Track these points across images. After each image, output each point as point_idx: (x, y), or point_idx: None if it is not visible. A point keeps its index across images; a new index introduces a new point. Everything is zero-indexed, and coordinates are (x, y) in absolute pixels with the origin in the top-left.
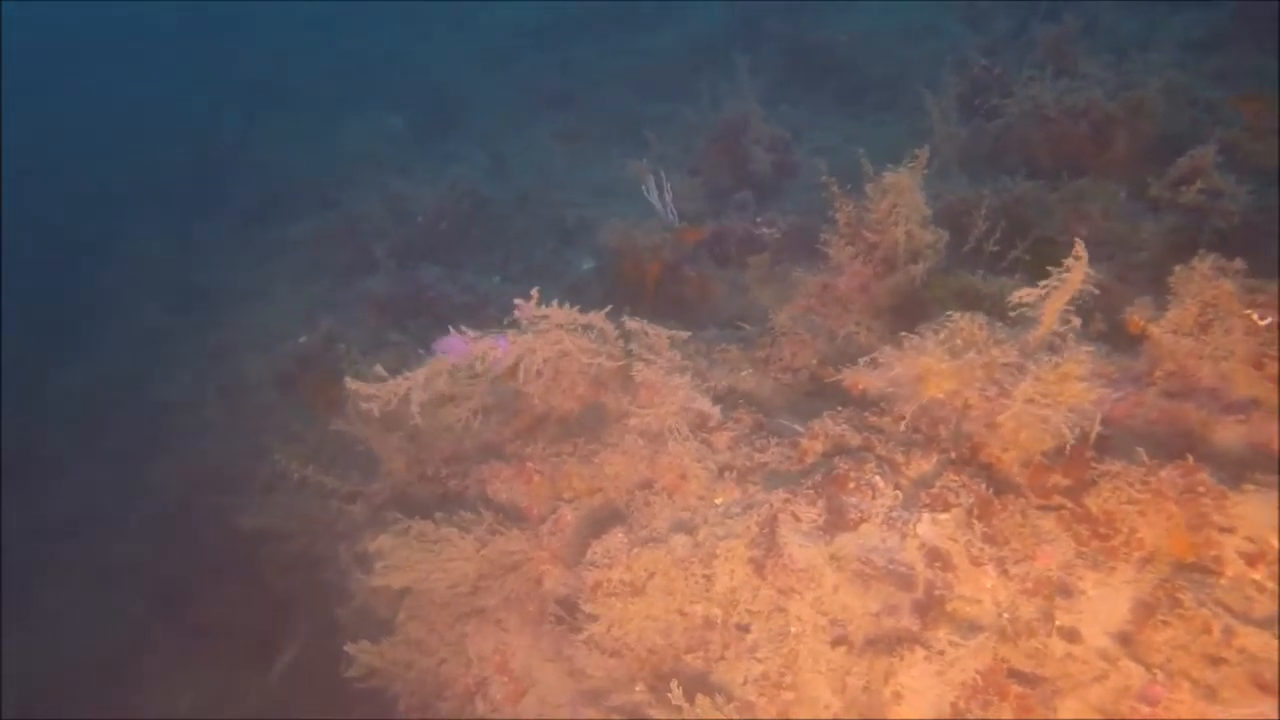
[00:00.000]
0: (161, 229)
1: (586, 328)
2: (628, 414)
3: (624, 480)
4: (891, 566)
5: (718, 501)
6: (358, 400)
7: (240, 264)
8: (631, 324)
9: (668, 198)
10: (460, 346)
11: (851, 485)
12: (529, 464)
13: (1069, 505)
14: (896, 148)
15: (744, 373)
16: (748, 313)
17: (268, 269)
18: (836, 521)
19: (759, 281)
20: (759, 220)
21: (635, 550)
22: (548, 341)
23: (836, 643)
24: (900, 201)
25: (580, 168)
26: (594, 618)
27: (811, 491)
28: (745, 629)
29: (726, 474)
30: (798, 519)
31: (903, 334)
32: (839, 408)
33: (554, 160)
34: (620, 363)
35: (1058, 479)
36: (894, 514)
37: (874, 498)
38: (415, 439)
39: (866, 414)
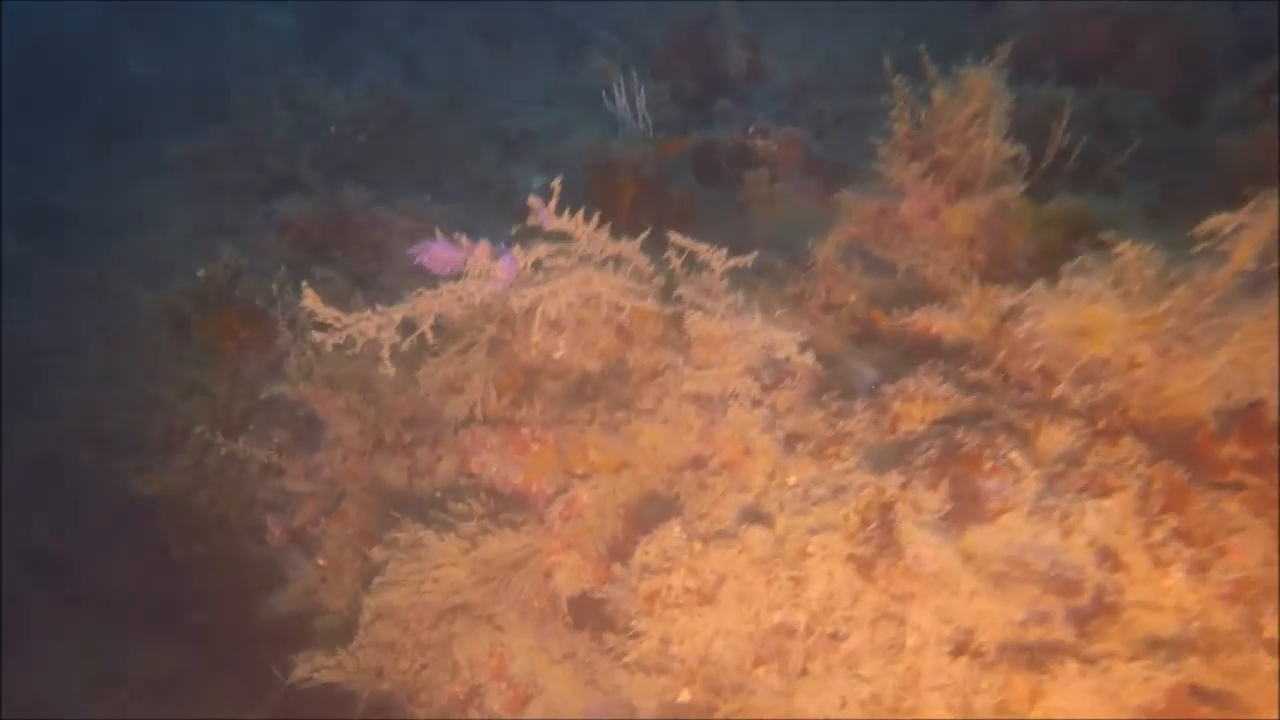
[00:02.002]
0: None
1: (615, 261)
2: (660, 372)
3: (664, 456)
4: (1056, 570)
5: (791, 481)
6: (307, 329)
7: (107, 184)
8: (677, 241)
9: (640, 104)
10: (447, 255)
11: (987, 465)
12: (523, 430)
13: (1255, 483)
14: (881, 47)
15: (776, 314)
16: (744, 238)
17: (144, 190)
18: (968, 511)
19: (756, 202)
20: (751, 130)
21: (700, 548)
22: (575, 281)
23: (962, 653)
24: (985, 108)
25: (511, 72)
26: (642, 633)
27: (930, 473)
28: (839, 638)
29: (799, 446)
30: (919, 508)
31: (1065, 269)
32: (931, 360)
33: (475, 63)
34: (657, 309)
35: (1235, 450)
36: (1045, 501)
37: (1016, 481)
38: (369, 397)
39: (963, 368)
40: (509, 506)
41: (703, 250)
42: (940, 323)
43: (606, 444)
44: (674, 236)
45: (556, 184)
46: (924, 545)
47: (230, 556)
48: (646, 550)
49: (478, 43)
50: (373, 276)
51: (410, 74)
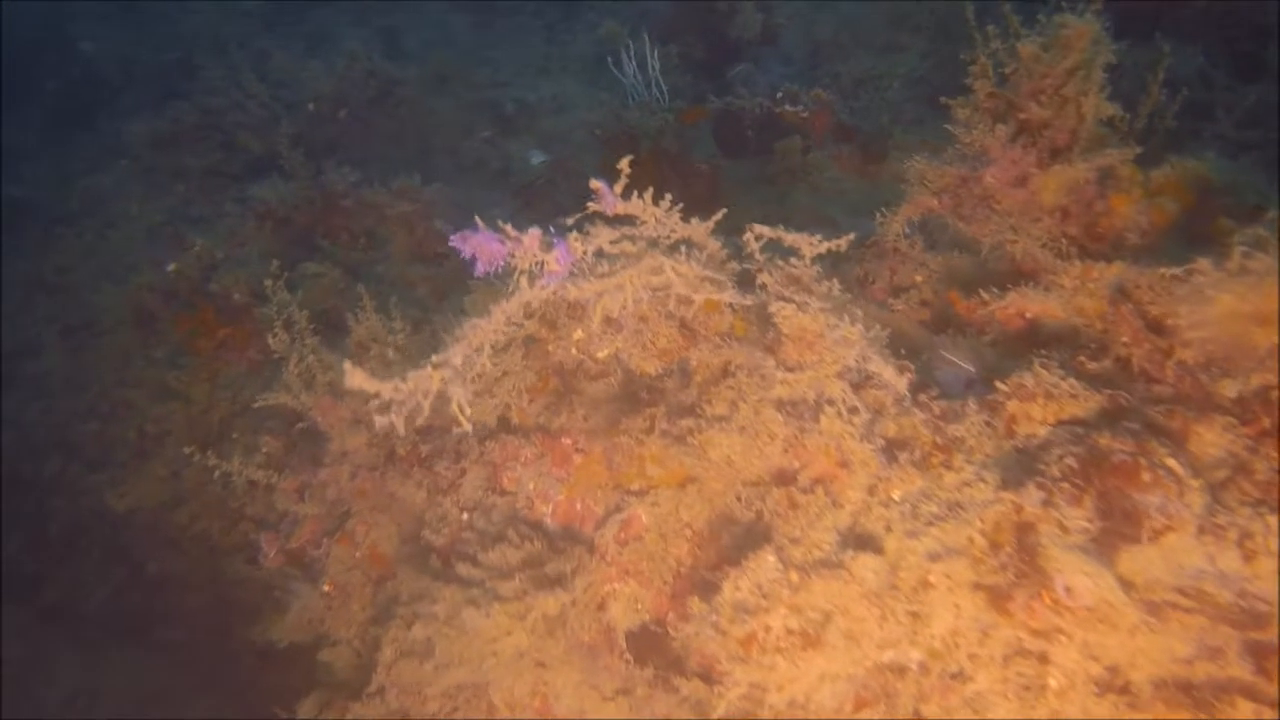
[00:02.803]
0: None
1: (685, 246)
2: (731, 373)
3: (740, 469)
4: (1240, 599)
5: (895, 496)
6: (304, 330)
7: (64, 173)
8: (762, 231)
9: (654, 70)
10: (491, 246)
11: (1146, 476)
12: (564, 440)
13: None
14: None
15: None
16: (780, 215)
17: (103, 178)
18: (1121, 530)
19: (789, 174)
20: (779, 95)
21: (799, 580)
22: (644, 270)
23: (1108, 691)
24: (1086, 61)
25: (498, 43)
26: (733, 680)
27: (1071, 486)
28: (962, 678)
29: (902, 455)
30: (1065, 529)
31: (1238, 248)
32: (1038, 350)
33: (459, 34)
34: (738, 301)
35: None
36: (1216, 517)
37: (1180, 494)
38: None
39: (1080, 358)
40: (551, 541)
41: (789, 235)
42: (1037, 305)
43: (669, 456)
44: (757, 228)
45: (625, 164)
46: (1078, 573)
47: (213, 574)
48: (738, 585)
49: (460, 14)
50: (367, 266)
51: (390, 48)
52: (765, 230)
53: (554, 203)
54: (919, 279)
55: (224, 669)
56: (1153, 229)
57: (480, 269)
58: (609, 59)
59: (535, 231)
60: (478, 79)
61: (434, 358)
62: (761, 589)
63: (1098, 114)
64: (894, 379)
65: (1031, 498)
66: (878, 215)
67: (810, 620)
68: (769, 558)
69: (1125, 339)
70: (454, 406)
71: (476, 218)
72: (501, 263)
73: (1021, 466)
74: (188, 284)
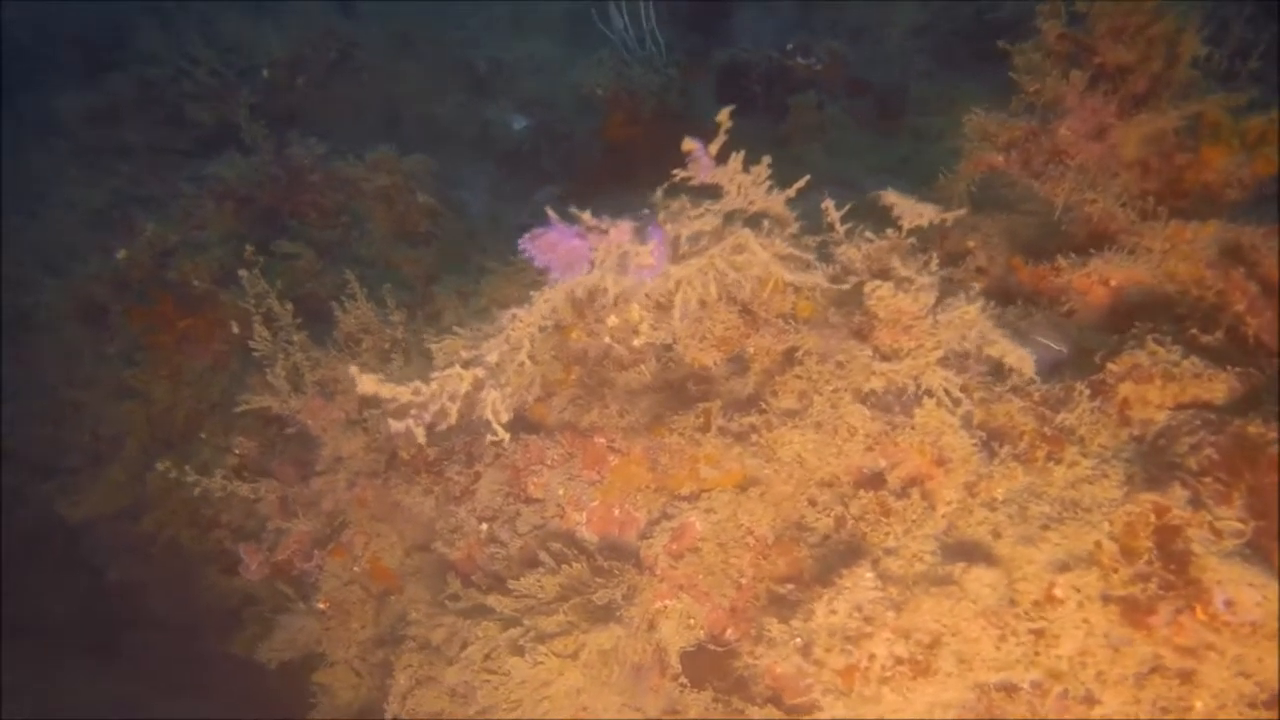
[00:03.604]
0: None
1: (765, 219)
2: (799, 361)
3: (814, 470)
4: None
5: (998, 496)
6: (289, 325)
7: None
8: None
9: (651, 22)
10: (570, 243)
11: None
12: (597, 439)
13: None
14: None
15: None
16: (798, 177)
17: (33, 159)
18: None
19: (803, 132)
20: (790, 48)
21: (905, 599)
22: (726, 250)
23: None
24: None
25: None
26: (828, 713)
27: (1215, 483)
28: (1087, 700)
29: (1003, 448)
30: (1218, 533)
31: None
32: (1146, 324)
33: None
34: (824, 282)
35: None
36: None
37: None
38: (374, 403)
39: (1191, 330)
40: (590, 557)
41: (904, 204)
42: (1122, 271)
43: (728, 456)
44: (888, 196)
45: (725, 115)
46: (1242, 585)
47: (182, 581)
48: (833, 607)
49: None
50: (342, 246)
51: (344, 4)
52: (893, 196)
53: (540, 171)
54: (971, 244)
55: (195, 676)
56: (1254, 182)
57: (557, 275)
58: (593, 12)
59: (626, 224)
60: (445, 37)
61: (462, 353)
62: (861, 611)
63: (1192, 53)
64: (1021, 363)
65: (1177, 498)
66: (940, 177)
67: (919, 644)
68: (866, 574)
69: (1239, 307)
70: (488, 412)
71: (548, 209)
72: (585, 265)
73: (1147, 459)
74: (140, 272)
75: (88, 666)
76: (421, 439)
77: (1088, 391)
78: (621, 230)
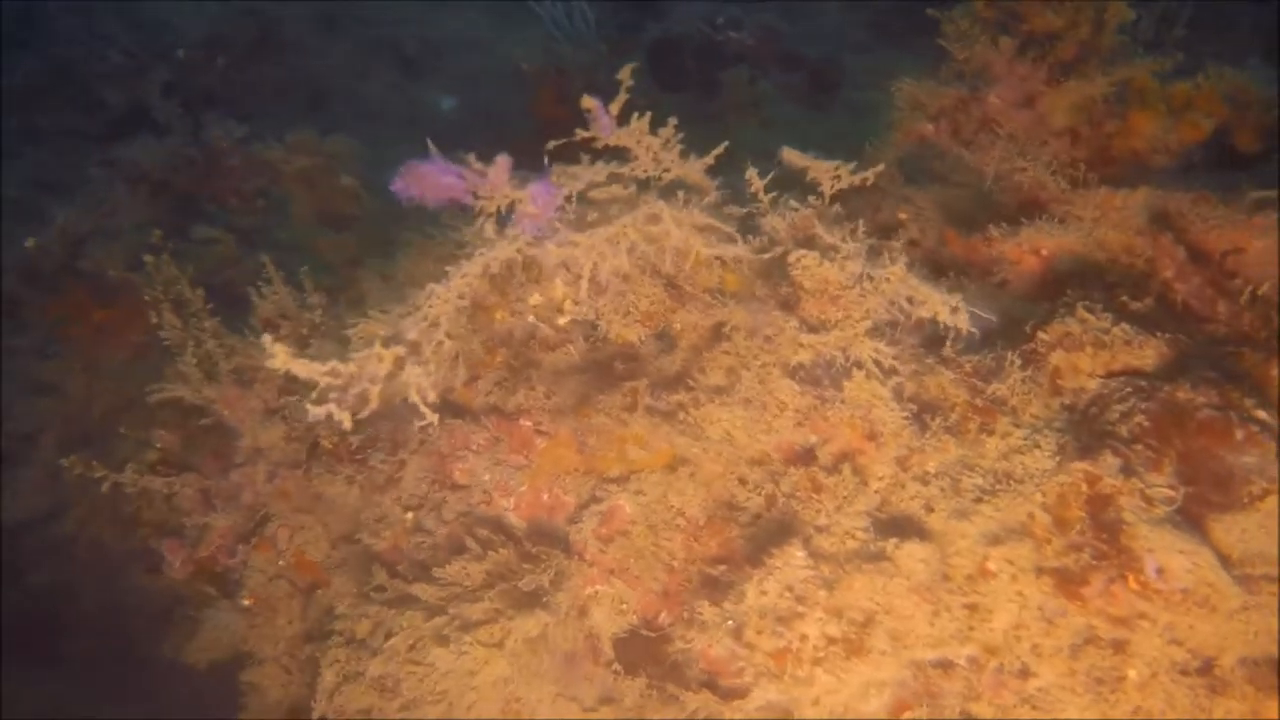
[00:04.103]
0: None
1: (681, 188)
2: (726, 337)
3: (743, 448)
4: None
5: (930, 469)
6: (199, 312)
7: None
8: (790, 158)
9: None
10: (444, 180)
11: (1238, 434)
12: (523, 421)
13: None
14: None
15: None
16: (730, 152)
17: None
18: (1209, 497)
19: (736, 108)
20: (720, 22)
21: (837, 578)
22: (640, 220)
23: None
24: None
25: None
26: (757, 696)
27: (1146, 450)
28: (1022, 674)
29: (935, 420)
30: (1148, 500)
31: None
32: (1077, 292)
33: None
34: (748, 254)
35: None
36: None
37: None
38: (292, 390)
39: (1123, 298)
40: (518, 543)
41: (814, 165)
42: (1053, 240)
43: (656, 436)
44: (789, 153)
45: (627, 73)
46: (1172, 552)
47: (108, 583)
48: (763, 588)
49: None
50: (263, 231)
51: None
52: (795, 156)
53: (470, 151)
54: (903, 216)
55: (130, 678)
56: (1181, 148)
57: (434, 204)
58: None
59: (503, 160)
60: (370, 15)
61: (380, 332)
62: (793, 590)
63: (1120, 20)
64: (955, 316)
65: (1108, 466)
66: (866, 146)
67: (852, 623)
68: (797, 552)
69: (1168, 273)
70: (412, 393)
71: (430, 142)
72: (459, 199)
73: (1079, 428)
74: (52, 262)
75: (23, 673)
76: (348, 424)
77: (1019, 361)
78: (499, 170)
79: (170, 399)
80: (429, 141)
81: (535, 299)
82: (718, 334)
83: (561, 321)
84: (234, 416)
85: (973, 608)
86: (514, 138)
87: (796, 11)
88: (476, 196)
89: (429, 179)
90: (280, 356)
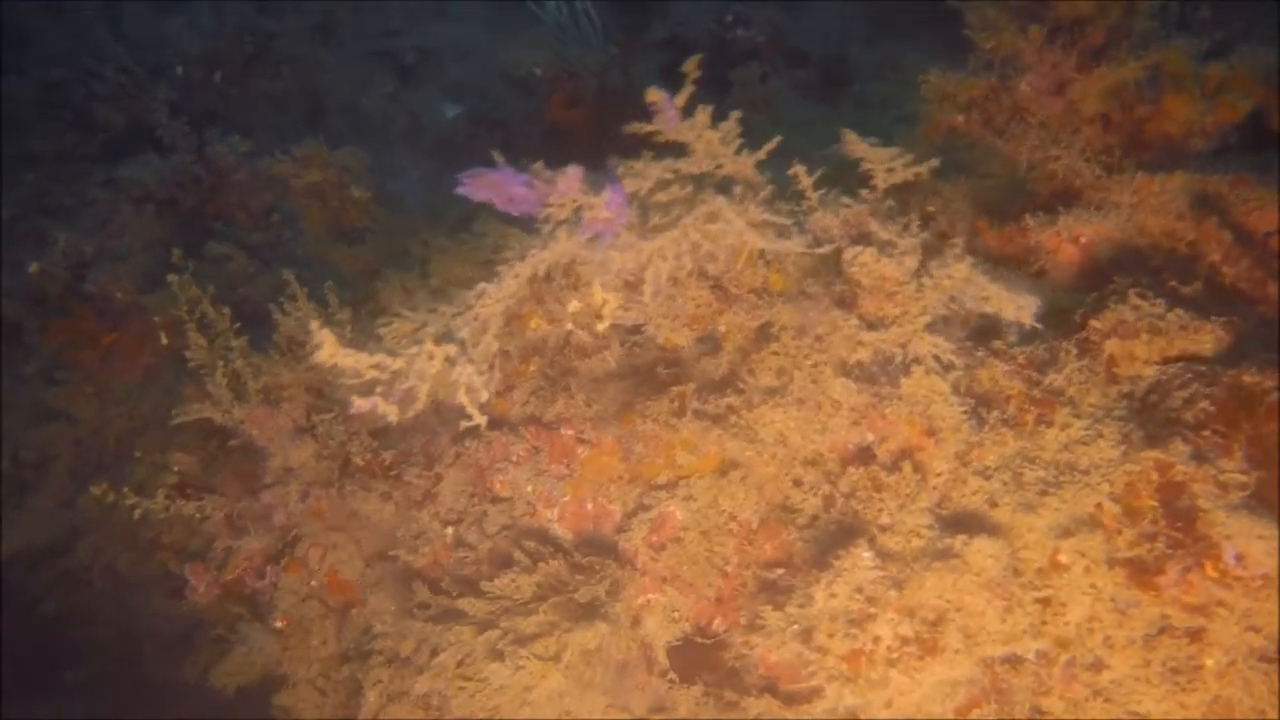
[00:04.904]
0: None
1: (735, 184)
2: (774, 337)
3: (798, 449)
4: None
5: (990, 463)
6: (225, 332)
7: None
8: (853, 146)
9: (585, 1)
10: (515, 189)
11: None
12: (564, 431)
13: None
14: None
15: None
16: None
17: None
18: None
19: (748, 106)
20: (729, 20)
21: (907, 577)
22: (700, 219)
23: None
24: None
25: None
26: (829, 699)
27: (1214, 436)
28: (1095, 667)
29: (992, 413)
30: (1223, 486)
31: None
32: (1125, 279)
33: None
34: (803, 249)
35: None
36: None
37: None
38: (324, 406)
39: (1168, 281)
40: (567, 554)
41: (870, 154)
42: (1091, 228)
43: (706, 440)
44: (849, 137)
45: (693, 64)
46: (1249, 537)
47: (123, 609)
48: (832, 590)
49: None
50: (274, 247)
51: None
52: (856, 144)
53: (477, 159)
54: (932, 209)
55: (146, 706)
56: (1216, 130)
57: (501, 209)
58: None
59: (575, 170)
60: (366, 26)
61: (429, 329)
62: (863, 592)
63: (1152, 2)
64: (1020, 312)
65: (1179, 453)
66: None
67: (924, 623)
68: (864, 553)
69: (1215, 257)
70: (461, 393)
71: (495, 153)
72: (530, 209)
73: (1141, 416)
74: (56, 286)
75: (30, 705)
76: (393, 417)
77: (1075, 351)
78: (570, 178)
79: (186, 420)
80: (494, 153)
81: (574, 305)
82: (764, 335)
83: (600, 328)
84: (263, 436)
85: (1045, 602)
86: (522, 143)
87: (794, 6)
88: (548, 204)
89: (496, 186)
90: (328, 346)
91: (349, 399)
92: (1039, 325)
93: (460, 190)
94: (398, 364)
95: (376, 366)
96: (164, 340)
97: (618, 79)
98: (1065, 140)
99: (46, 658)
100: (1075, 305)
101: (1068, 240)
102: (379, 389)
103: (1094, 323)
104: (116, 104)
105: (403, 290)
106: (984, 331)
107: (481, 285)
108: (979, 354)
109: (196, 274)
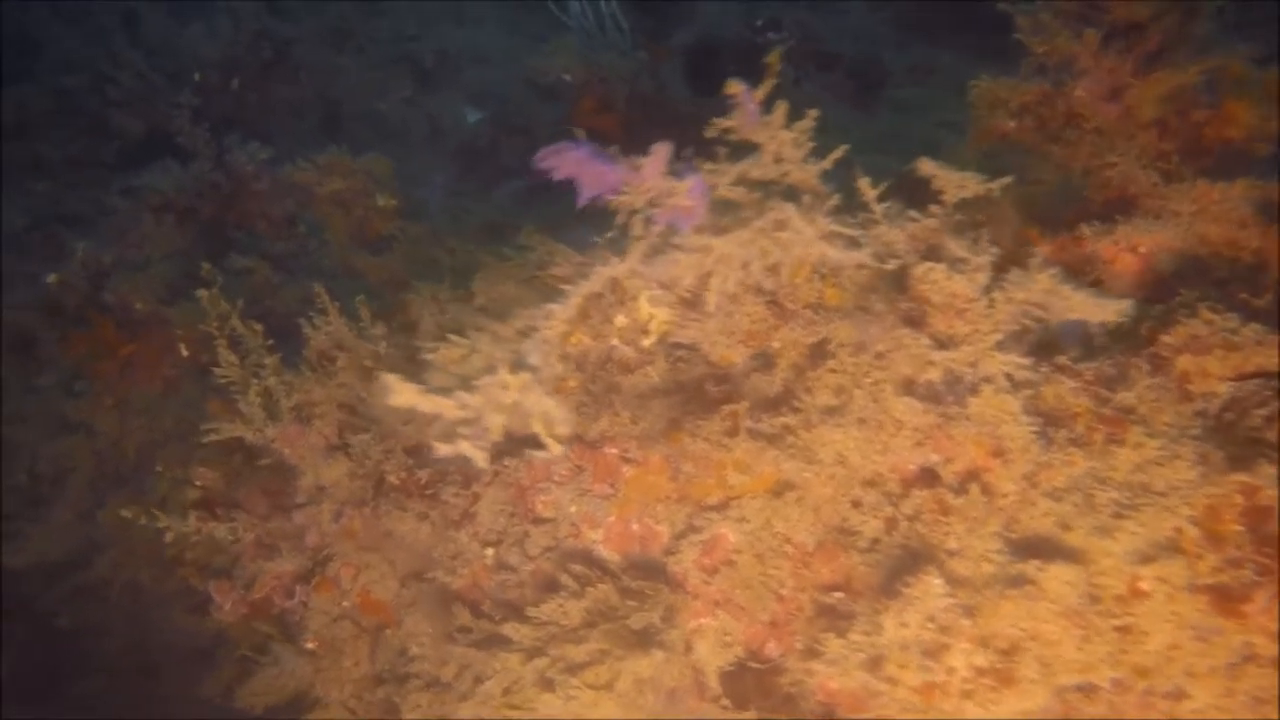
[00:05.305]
0: None
1: (799, 191)
2: (831, 353)
3: (857, 470)
4: None
5: (1059, 484)
6: (258, 348)
7: None
8: (927, 168)
9: (612, 3)
10: (599, 167)
11: None
12: (608, 449)
13: None
14: None
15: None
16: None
17: None
18: None
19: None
20: (760, 23)
21: (978, 605)
22: (767, 227)
23: None
24: None
25: None
26: None
27: None
28: (1175, 695)
29: (1059, 432)
30: None
31: None
32: (1192, 291)
33: None
34: (875, 263)
35: None
36: None
37: None
38: (357, 422)
39: (1239, 293)
40: (615, 578)
41: (940, 173)
42: (1149, 237)
43: (760, 461)
44: (925, 163)
45: (775, 57)
46: None
47: (140, 624)
48: (903, 619)
49: None
50: (296, 257)
51: (270, 6)
52: (931, 166)
53: (499, 166)
54: (980, 217)
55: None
56: (1278, 135)
57: (585, 197)
58: None
59: (662, 148)
60: (383, 31)
61: (495, 354)
62: (935, 621)
63: (1211, 6)
64: (1117, 312)
65: (1267, 476)
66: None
67: (999, 652)
68: (934, 580)
69: None
70: (537, 424)
71: (576, 130)
72: (613, 192)
73: (1217, 436)
74: (75, 296)
75: (39, 714)
76: (482, 463)
77: (1147, 367)
78: (657, 159)
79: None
80: (575, 131)
81: (621, 320)
82: (819, 351)
83: (646, 343)
84: (294, 454)
85: (1125, 630)
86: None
87: (820, 7)
88: (627, 189)
89: (578, 164)
90: (407, 393)
91: (431, 445)
92: (1103, 339)
93: (541, 166)
94: (476, 400)
95: (459, 406)
96: (184, 352)
97: (648, 85)
98: (1122, 147)
99: (56, 668)
100: (1139, 318)
101: (1126, 250)
102: (462, 429)
103: (1165, 338)
104: (133, 110)
105: (434, 302)
106: (1044, 346)
107: (549, 306)
108: (1043, 370)
109: (222, 287)
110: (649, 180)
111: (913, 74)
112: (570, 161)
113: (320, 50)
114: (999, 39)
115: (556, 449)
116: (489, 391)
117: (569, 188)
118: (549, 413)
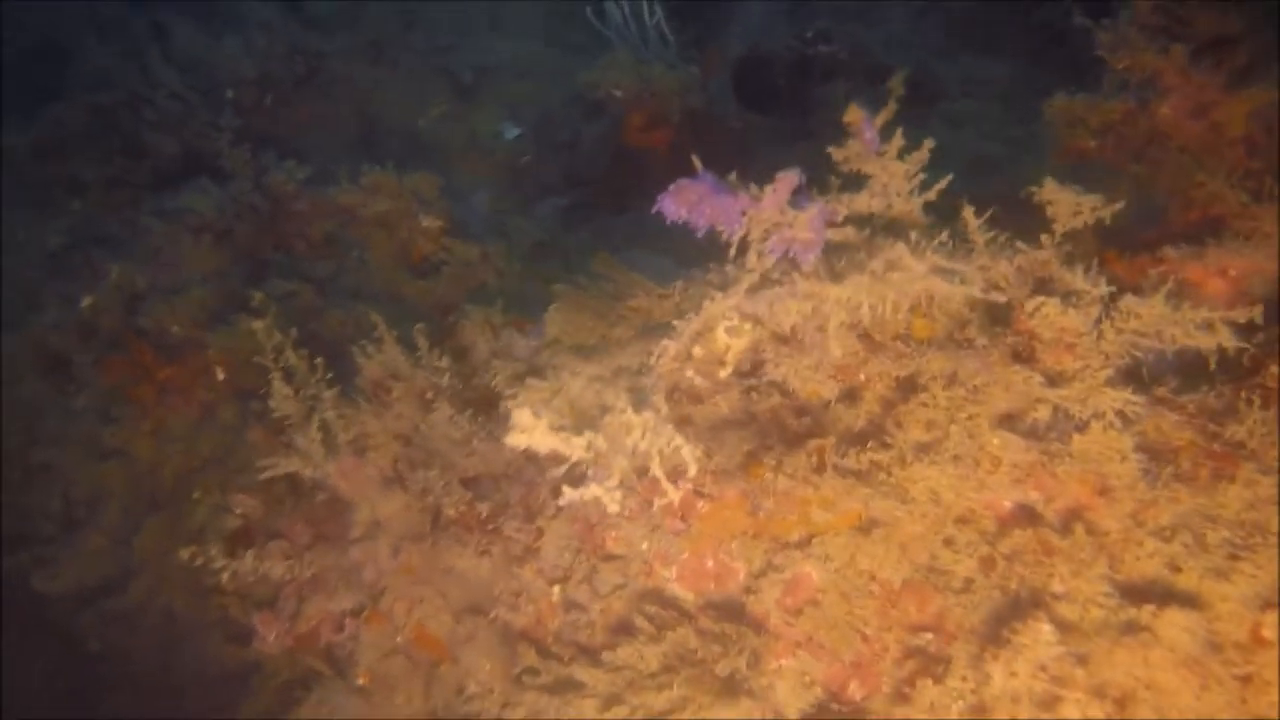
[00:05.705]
0: None
1: (903, 226)
2: (923, 387)
3: (951, 508)
4: None
5: (1164, 523)
6: (314, 377)
7: None
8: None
9: (658, 17)
10: (722, 200)
11: None
12: (682, 482)
13: None
14: None
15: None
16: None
17: None
18: None
19: (836, 127)
20: (810, 35)
21: (1089, 652)
22: (882, 264)
23: None
24: None
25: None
26: None
27: None
28: None
29: (1165, 468)
30: None
31: None
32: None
33: None
34: (983, 296)
35: None
36: None
37: None
38: (415, 455)
39: None
40: (692, 619)
41: (1055, 194)
42: (1241, 260)
43: (848, 498)
44: (1049, 186)
45: (898, 81)
46: None
47: (172, 648)
48: (1013, 668)
49: None
50: (337, 280)
51: (302, 19)
52: (1054, 190)
53: (540, 183)
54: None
55: None
56: None
57: (701, 229)
58: (587, 10)
59: (789, 176)
60: (418, 43)
61: (619, 398)
62: (1047, 670)
63: None
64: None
65: None
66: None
67: (1114, 701)
68: (1044, 626)
69: None
70: (656, 467)
71: (694, 159)
72: (736, 224)
73: None
74: (110, 320)
75: None
76: (615, 508)
77: (1258, 400)
78: (783, 187)
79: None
80: (694, 159)
81: (698, 352)
82: (909, 385)
83: (723, 374)
84: (349, 488)
85: (1246, 679)
86: (588, 168)
87: (859, 15)
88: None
89: (700, 198)
90: (535, 432)
91: (560, 490)
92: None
93: (661, 208)
94: (601, 441)
95: (587, 448)
96: (220, 375)
97: (698, 100)
98: (1209, 165)
99: (82, 691)
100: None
101: (1215, 273)
102: (592, 473)
103: (1274, 368)
104: (169, 130)
105: (487, 327)
106: (1136, 376)
107: (664, 343)
108: (1145, 402)
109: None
110: (769, 211)
111: (964, 85)
112: (691, 197)
113: (354, 64)
114: (1053, 50)
115: (674, 494)
116: (614, 432)
117: (614, 204)
118: (679, 453)
